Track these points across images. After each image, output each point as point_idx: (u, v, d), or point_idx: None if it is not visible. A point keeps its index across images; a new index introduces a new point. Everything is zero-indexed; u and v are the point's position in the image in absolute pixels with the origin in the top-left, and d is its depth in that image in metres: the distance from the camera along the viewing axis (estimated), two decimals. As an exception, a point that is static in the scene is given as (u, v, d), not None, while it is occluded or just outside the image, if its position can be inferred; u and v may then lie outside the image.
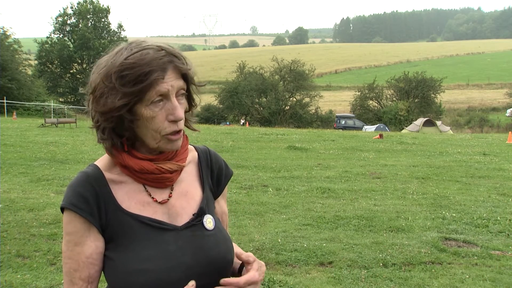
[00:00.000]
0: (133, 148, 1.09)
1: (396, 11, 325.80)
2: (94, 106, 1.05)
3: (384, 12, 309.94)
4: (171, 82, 1.03)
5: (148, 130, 1.04)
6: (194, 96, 1.14)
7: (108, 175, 1.09)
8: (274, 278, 3.75)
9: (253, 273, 1.07)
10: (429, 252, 4.48)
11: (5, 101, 29.75)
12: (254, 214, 5.90)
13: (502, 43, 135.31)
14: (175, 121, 1.05)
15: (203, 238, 1.11)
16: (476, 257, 4.36)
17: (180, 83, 1.06)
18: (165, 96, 1.03)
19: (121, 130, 1.06)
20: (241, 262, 1.16)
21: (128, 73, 1.00)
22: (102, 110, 1.03)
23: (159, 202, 1.11)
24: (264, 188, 7.63)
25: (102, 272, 1.09)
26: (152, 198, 1.10)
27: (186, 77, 1.08)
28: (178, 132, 1.07)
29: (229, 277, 1.15)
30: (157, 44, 1.05)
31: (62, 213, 1.07)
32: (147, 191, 1.11)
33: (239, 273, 1.17)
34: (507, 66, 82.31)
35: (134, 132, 1.06)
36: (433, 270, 4.06)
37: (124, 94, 1.01)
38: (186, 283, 1.05)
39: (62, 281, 1.07)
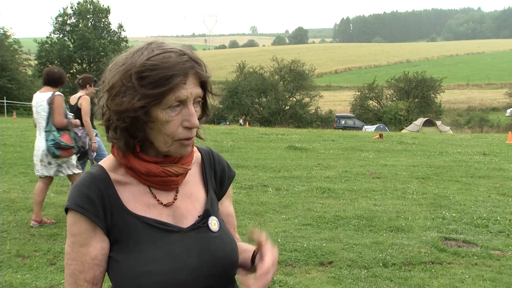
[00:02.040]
0: (141, 149, 1.08)
1: (396, 11, 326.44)
2: (109, 104, 1.02)
3: (384, 12, 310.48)
4: (191, 89, 1.02)
5: (161, 134, 1.03)
6: (209, 105, 1.13)
7: (113, 176, 1.08)
8: (274, 278, 3.75)
9: (270, 253, 1.07)
10: (429, 252, 4.48)
11: (5, 101, 29.78)
12: (254, 214, 5.90)
13: (502, 43, 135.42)
14: (189, 128, 1.04)
15: (209, 239, 1.10)
16: (476, 257, 4.36)
17: (198, 90, 1.05)
18: (182, 102, 1.02)
19: (134, 131, 1.04)
20: (252, 253, 1.15)
21: (148, 74, 0.99)
22: (118, 109, 1.01)
23: (165, 205, 1.10)
24: (264, 188, 7.62)
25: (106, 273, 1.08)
26: (158, 200, 1.10)
27: (204, 84, 1.07)
28: (191, 138, 1.06)
29: (234, 278, 1.15)
30: (179, 48, 1.04)
31: (66, 213, 1.06)
32: (152, 193, 1.10)
33: (252, 263, 1.15)
34: (507, 66, 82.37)
35: (145, 134, 1.05)
36: (433, 270, 4.06)
37: (143, 96, 0.99)
38: (192, 285, 1.05)
39: (62, 281, 1.07)
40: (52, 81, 5.09)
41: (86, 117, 5.57)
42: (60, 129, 5.01)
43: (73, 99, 5.90)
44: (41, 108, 5.00)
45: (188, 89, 1.02)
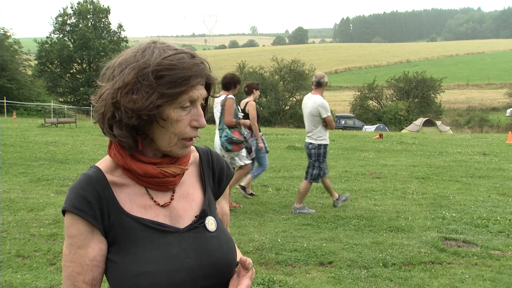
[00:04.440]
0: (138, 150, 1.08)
1: (396, 11, 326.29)
2: (123, 101, 1.00)
3: (384, 12, 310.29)
4: (201, 90, 1.05)
5: (168, 133, 1.04)
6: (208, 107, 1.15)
7: (110, 178, 1.08)
8: (274, 278, 3.75)
9: (248, 282, 1.06)
10: (429, 252, 4.48)
11: (5, 101, 29.77)
12: (254, 214, 5.91)
13: (502, 43, 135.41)
14: (196, 128, 1.06)
15: (206, 239, 1.10)
16: (476, 257, 4.36)
17: (204, 92, 1.07)
18: (193, 102, 1.05)
19: (142, 129, 1.04)
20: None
21: (166, 73, 0.99)
22: (133, 107, 1.00)
23: (161, 205, 1.10)
24: (264, 188, 7.63)
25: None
26: (154, 201, 1.10)
27: (208, 87, 1.09)
28: (196, 137, 1.08)
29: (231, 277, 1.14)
30: (186, 49, 1.06)
31: (64, 215, 1.06)
32: (149, 194, 1.10)
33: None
34: (507, 66, 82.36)
35: (151, 132, 1.05)
36: (433, 270, 4.06)
37: (160, 95, 0.99)
38: (189, 285, 1.05)
39: (62, 282, 1.06)
40: (223, 85, 5.97)
41: (254, 122, 6.33)
42: (231, 127, 5.80)
43: (242, 104, 6.55)
44: (216, 109, 5.86)
45: (199, 90, 1.04)
